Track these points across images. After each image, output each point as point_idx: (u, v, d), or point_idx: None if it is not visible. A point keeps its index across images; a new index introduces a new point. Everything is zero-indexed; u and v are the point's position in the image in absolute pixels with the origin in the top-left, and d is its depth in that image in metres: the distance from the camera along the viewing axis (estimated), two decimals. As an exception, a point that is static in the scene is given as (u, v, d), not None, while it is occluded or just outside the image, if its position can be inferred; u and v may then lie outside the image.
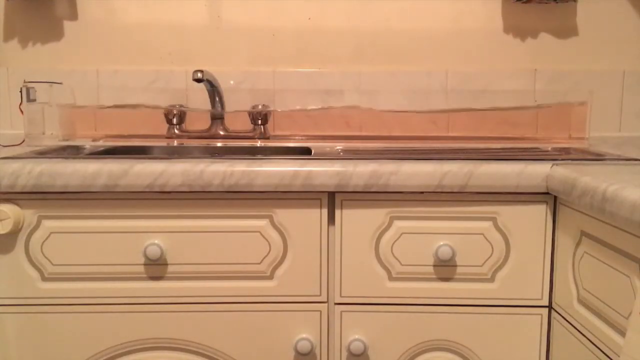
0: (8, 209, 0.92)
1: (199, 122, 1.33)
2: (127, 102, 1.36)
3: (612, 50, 1.42)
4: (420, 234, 0.95)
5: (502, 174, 0.92)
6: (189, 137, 1.30)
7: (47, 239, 0.95)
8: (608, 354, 0.77)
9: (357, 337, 0.97)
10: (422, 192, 0.94)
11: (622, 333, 0.74)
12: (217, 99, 1.30)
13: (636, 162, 0.99)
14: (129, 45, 1.41)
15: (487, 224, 0.95)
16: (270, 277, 0.96)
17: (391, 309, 0.97)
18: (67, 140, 1.22)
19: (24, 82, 1.25)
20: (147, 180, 0.92)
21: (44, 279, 0.96)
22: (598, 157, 1.03)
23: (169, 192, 0.94)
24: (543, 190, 0.92)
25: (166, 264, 0.96)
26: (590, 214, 0.82)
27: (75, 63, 1.41)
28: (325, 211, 0.95)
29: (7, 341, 0.97)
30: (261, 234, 0.95)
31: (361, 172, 0.92)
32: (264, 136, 1.30)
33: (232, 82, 1.41)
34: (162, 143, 1.27)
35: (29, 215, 0.94)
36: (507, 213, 0.94)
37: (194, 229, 0.95)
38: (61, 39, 1.41)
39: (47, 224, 0.95)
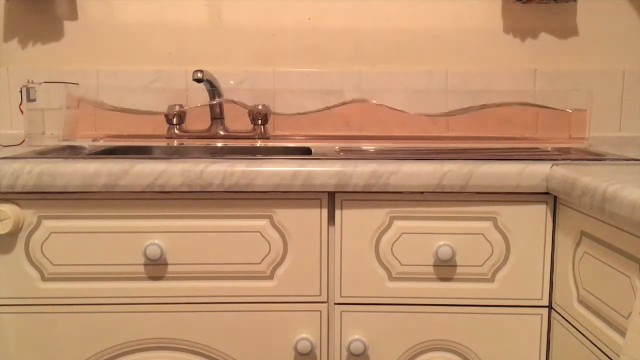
0: (8, 209, 0.92)
1: (199, 122, 1.32)
2: (127, 102, 1.36)
3: (612, 50, 1.42)
4: (420, 234, 0.95)
5: (502, 174, 0.92)
6: (189, 137, 1.30)
7: (47, 239, 0.95)
8: (608, 354, 0.77)
9: (357, 337, 0.97)
10: (422, 192, 0.94)
11: (622, 333, 0.74)
12: (217, 98, 1.30)
13: (636, 162, 0.99)
14: (129, 45, 1.41)
15: (487, 224, 0.95)
16: (270, 277, 0.96)
17: (391, 309, 0.97)
18: (67, 140, 1.22)
19: (29, 81, 1.24)
20: (147, 180, 0.92)
21: (44, 279, 0.96)
22: (598, 157, 1.03)
23: (169, 192, 0.94)
24: (543, 190, 0.92)
25: (166, 264, 0.96)
26: (590, 214, 0.82)
27: (75, 63, 1.41)
28: (325, 211, 0.95)
29: (7, 341, 0.97)
30: (261, 234, 0.95)
31: (361, 172, 0.92)
32: (264, 136, 1.30)
33: (232, 82, 1.40)
34: (162, 143, 1.27)
35: (29, 215, 0.94)
36: (507, 213, 0.94)
37: (194, 229, 0.95)
38: (61, 39, 1.41)
39: (47, 224, 0.95)
